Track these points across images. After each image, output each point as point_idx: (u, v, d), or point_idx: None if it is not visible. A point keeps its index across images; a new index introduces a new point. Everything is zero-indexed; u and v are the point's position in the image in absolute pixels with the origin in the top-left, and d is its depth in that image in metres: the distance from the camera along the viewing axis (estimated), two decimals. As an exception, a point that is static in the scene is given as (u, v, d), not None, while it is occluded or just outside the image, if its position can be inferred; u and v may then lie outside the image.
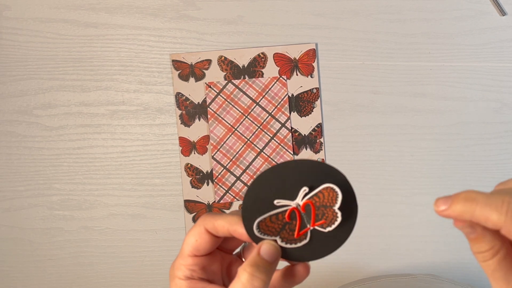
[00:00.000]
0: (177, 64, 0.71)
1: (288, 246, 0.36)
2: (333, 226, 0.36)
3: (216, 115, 0.71)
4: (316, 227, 0.36)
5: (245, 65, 0.71)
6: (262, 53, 0.71)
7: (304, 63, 0.72)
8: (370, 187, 0.73)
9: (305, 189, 0.35)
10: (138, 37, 0.71)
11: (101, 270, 0.72)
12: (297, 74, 0.72)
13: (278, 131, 0.72)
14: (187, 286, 0.36)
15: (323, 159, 0.73)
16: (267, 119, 0.72)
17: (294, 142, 0.72)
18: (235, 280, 0.34)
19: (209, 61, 0.71)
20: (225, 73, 0.71)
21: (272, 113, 0.72)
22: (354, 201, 0.36)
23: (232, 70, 0.71)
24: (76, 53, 0.70)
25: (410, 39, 0.73)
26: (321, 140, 0.73)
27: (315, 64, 0.72)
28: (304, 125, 0.72)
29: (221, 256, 0.39)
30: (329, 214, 0.36)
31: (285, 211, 0.36)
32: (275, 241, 0.36)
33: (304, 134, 0.72)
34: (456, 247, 0.74)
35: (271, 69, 0.71)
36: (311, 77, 0.72)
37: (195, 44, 0.71)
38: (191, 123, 0.71)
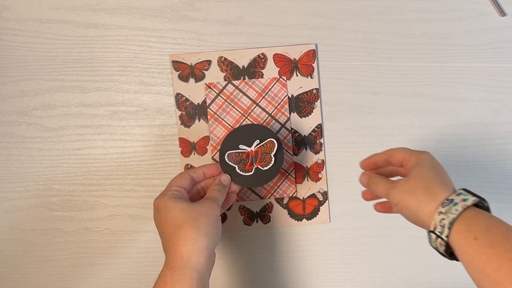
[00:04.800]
0: (177, 64, 0.71)
1: (242, 173, 0.63)
2: (269, 166, 0.63)
3: (216, 115, 0.71)
4: (259, 166, 0.63)
5: (245, 66, 0.71)
6: (262, 54, 0.71)
7: (304, 64, 0.72)
8: (370, 188, 0.73)
9: (257, 141, 0.64)
10: (138, 38, 0.71)
11: (101, 271, 0.72)
12: (297, 75, 0.72)
13: (278, 131, 0.72)
14: (176, 195, 0.59)
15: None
16: (267, 120, 0.71)
17: (294, 143, 0.72)
18: (208, 192, 0.62)
19: (209, 62, 0.71)
20: (225, 73, 0.71)
21: (272, 114, 0.72)
22: (281, 150, 0.65)
23: (232, 71, 0.71)
24: (75, 54, 0.70)
25: (410, 39, 0.73)
26: (321, 140, 0.73)
27: (315, 65, 0.72)
28: (304, 125, 0.72)
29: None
30: (267, 159, 0.63)
31: (244, 152, 0.64)
32: (234, 168, 0.63)
33: (304, 135, 0.72)
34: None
35: (271, 70, 0.71)
36: (311, 77, 0.72)
37: (195, 45, 0.71)
38: (191, 124, 0.71)
